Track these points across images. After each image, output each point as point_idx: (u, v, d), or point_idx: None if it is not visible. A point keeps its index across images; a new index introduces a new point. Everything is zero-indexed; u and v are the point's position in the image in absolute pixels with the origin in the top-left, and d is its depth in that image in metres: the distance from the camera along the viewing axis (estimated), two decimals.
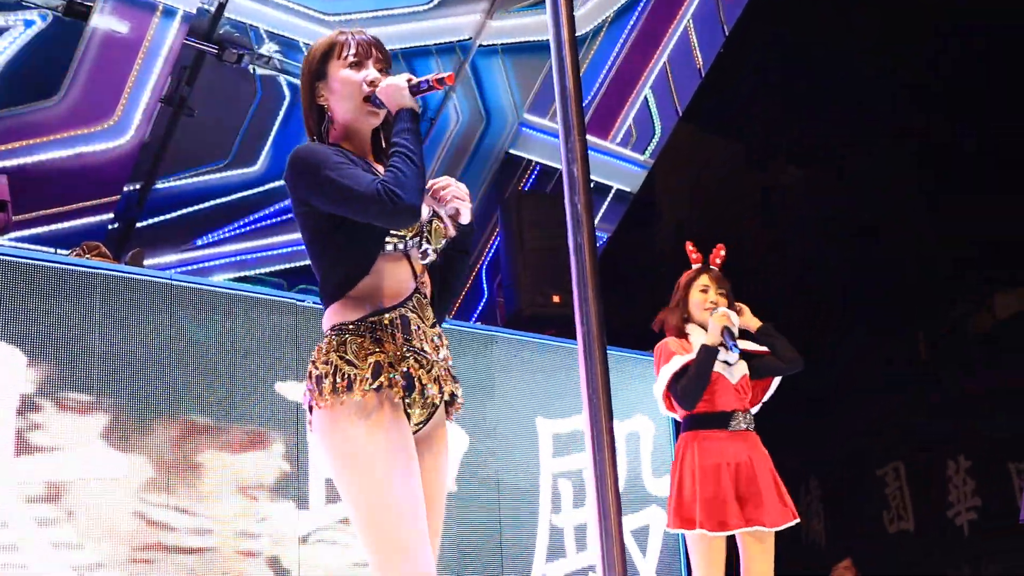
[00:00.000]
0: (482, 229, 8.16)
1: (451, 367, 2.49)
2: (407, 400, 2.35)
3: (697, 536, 3.85)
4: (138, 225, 6.28)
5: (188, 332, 4.48)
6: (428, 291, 2.51)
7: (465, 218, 2.61)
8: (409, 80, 2.42)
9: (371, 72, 2.45)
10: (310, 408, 2.36)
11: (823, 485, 9.96)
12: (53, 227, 5.68)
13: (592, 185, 2.00)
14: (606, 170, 8.57)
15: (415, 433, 2.39)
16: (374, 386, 2.28)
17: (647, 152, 8.92)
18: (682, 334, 4.09)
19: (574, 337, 1.91)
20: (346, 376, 2.28)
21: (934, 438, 9.04)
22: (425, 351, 2.39)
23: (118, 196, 5.98)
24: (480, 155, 7.91)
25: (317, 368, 2.33)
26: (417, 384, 2.36)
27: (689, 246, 4.27)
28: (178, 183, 6.41)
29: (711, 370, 3.95)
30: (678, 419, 4.14)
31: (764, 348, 4.14)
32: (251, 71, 6.38)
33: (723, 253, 4.22)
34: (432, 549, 2.34)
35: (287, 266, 6.57)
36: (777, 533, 3.93)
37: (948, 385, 8.89)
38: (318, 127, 2.47)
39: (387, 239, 2.39)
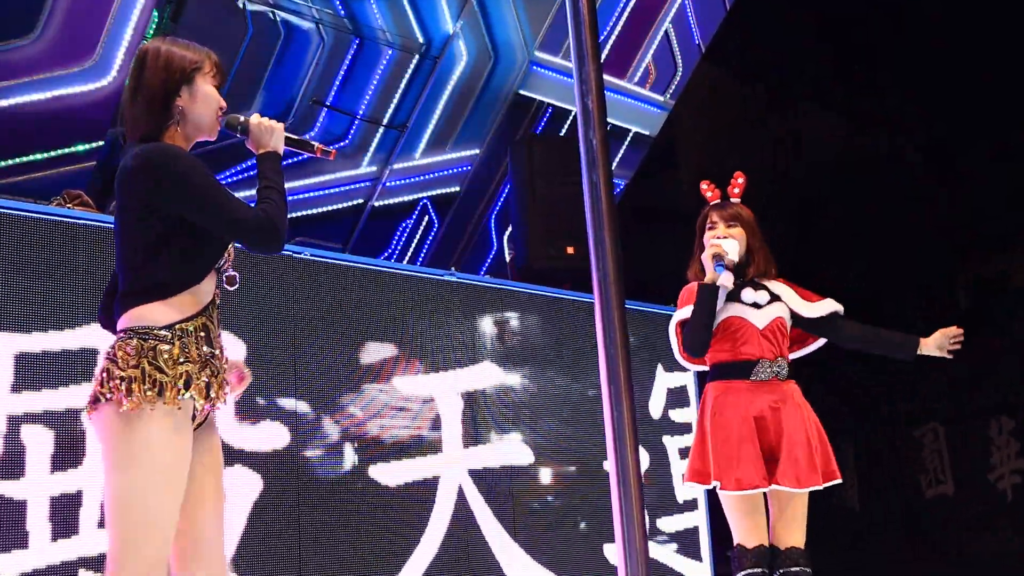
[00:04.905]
0: (491, 176, 8.12)
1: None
2: (197, 404, 2.62)
3: (723, 493, 3.82)
4: None
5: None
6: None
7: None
8: (287, 131, 2.84)
9: (221, 99, 2.79)
10: (94, 402, 2.56)
11: (856, 447, 9.96)
12: (31, 175, 5.66)
13: (608, 128, 1.96)
14: (623, 112, 8.51)
15: (195, 429, 2.66)
16: (184, 396, 2.55)
17: (667, 93, 8.84)
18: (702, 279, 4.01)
19: (587, 291, 1.88)
20: (157, 383, 2.52)
21: (975, 397, 9.03)
22: (217, 356, 2.68)
23: (101, 142, 5.95)
24: (488, 96, 7.84)
25: (123, 370, 2.52)
26: (212, 391, 2.64)
27: (704, 184, 4.18)
28: None
29: (710, 310, 3.85)
30: (699, 371, 4.10)
31: (830, 309, 4.02)
32: (240, 6, 6.32)
33: (741, 181, 4.12)
34: (217, 535, 2.71)
35: None
36: (811, 494, 3.88)
37: (990, 341, 8.85)
38: (158, 125, 2.69)
39: (221, 254, 2.71)
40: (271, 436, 4.55)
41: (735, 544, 3.82)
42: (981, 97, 8.58)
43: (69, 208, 4.45)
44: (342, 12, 6.93)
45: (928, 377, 8.95)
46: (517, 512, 5.44)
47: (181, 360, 2.56)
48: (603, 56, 7.91)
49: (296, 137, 2.87)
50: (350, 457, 4.87)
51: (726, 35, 8.87)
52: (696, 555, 6.29)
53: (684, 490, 6.25)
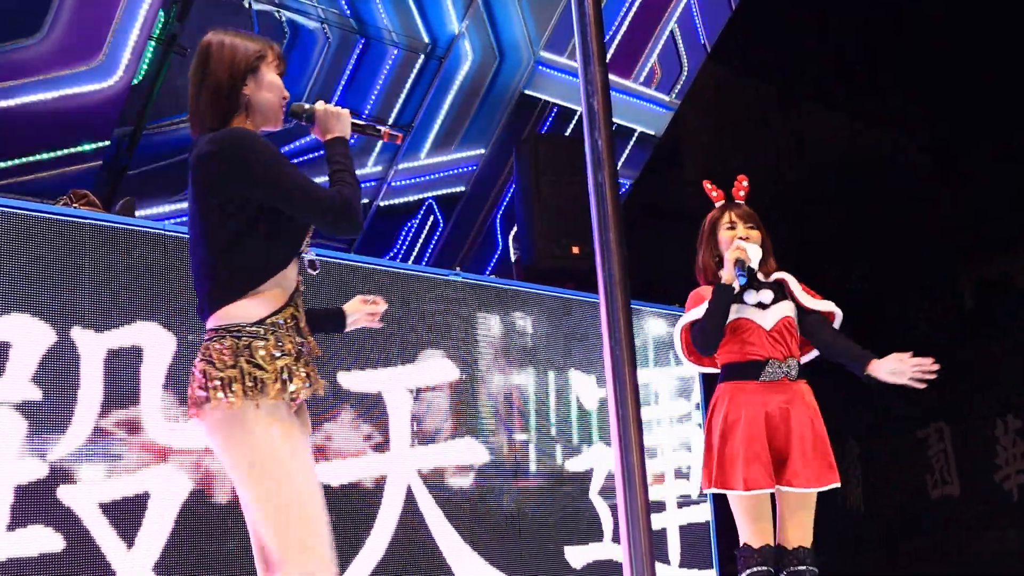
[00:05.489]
0: (496, 175, 8.12)
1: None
2: (301, 393, 2.62)
3: (730, 494, 3.82)
4: (128, 173, 6.26)
5: (184, 286, 4.47)
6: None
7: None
8: (354, 115, 2.84)
9: (284, 88, 2.79)
10: (197, 404, 2.55)
11: (861, 447, 9.95)
12: (37, 175, 5.66)
13: (614, 128, 1.96)
14: (628, 112, 8.50)
15: None
16: (290, 388, 2.54)
17: (673, 93, 8.84)
18: (717, 279, 3.98)
19: (592, 291, 1.89)
20: (256, 380, 2.50)
21: (981, 397, 9.01)
22: (307, 345, 2.67)
23: (108, 141, 5.95)
24: (493, 95, 7.84)
25: (220, 371, 2.50)
26: (310, 380, 2.64)
27: (707, 184, 4.14)
28: (171, 128, 6.38)
29: (725, 311, 3.82)
30: (704, 372, 4.07)
31: (827, 308, 4.01)
32: (246, 6, 6.33)
33: (746, 184, 4.08)
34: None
35: None
36: (818, 495, 3.87)
37: (995, 340, 8.84)
38: (225, 116, 2.67)
39: (305, 238, 2.71)
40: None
41: (741, 544, 3.83)
42: (984, 98, 8.57)
43: (76, 208, 4.46)
44: (348, 12, 6.94)
45: (935, 376, 8.90)
46: (472, 514, 5.32)
47: (277, 355, 2.54)
48: (609, 54, 7.92)
49: (362, 123, 2.87)
50: None
51: (731, 35, 8.86)
52: (664, 559, 6.12)
53: (651, 492, 6.14)
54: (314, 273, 2.74)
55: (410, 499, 5.06)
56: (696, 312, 3.93)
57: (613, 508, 5.83)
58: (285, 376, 2.53)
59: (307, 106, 2.80)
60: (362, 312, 3.07)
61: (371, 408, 5.01)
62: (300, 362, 2.59)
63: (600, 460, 5.97)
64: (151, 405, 4.27)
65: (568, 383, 5.96)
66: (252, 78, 2.71)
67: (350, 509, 4.82)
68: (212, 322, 2.58)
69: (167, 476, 4.27)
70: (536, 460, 5.71)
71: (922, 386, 3.77)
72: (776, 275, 4.00)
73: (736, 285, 3.84)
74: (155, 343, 4.33)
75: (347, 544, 4.71)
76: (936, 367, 3.74)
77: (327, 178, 2.70)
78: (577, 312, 6.07)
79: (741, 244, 3.90)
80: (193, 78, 2.73)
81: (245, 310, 2.55)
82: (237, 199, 2.56)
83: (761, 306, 3.92)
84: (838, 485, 3.86)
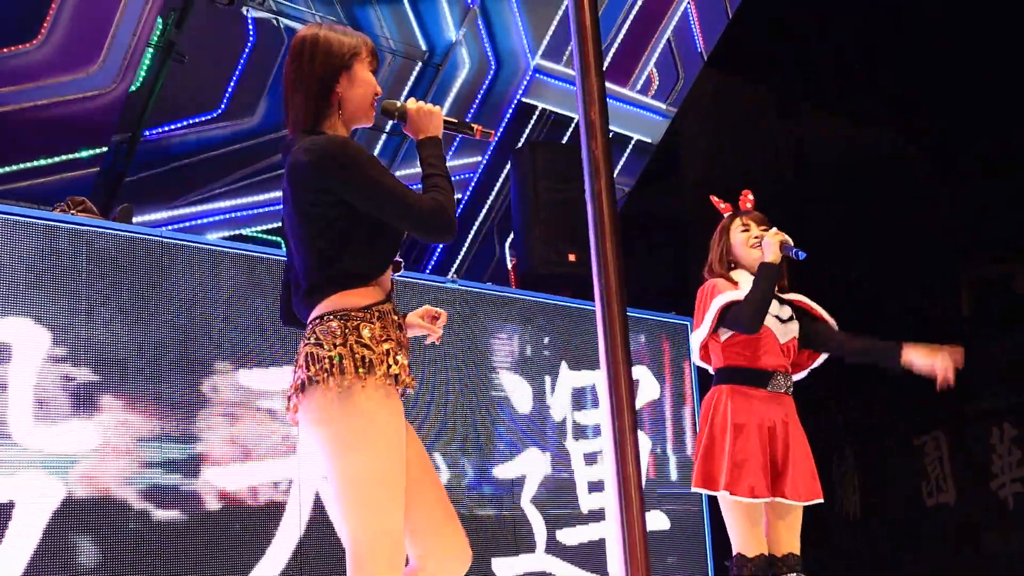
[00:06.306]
0: (492, 182, 8.13)
1: None
2: (402, 380, 2.60)
3: (729, 499, 3.81)
4: (126, 179, 6.26)
5: (181, 292, 4.47)
6: None
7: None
8: (447, 115, 2.80)
9: (376, 85, 2.76)
10: (301, 388, 2.53)
11: (857, 454, 9.95)
12: (34, 181, 5.66)
13: (610, 135, 1.97)
14: (625, 119, 8.52)
15: None
16: (393, 372, 2.52)
17: (669, 100, 8.85)
18: (730, 282, 4.01)
19: (589, 298, 1.89)
20: (366, 360, 2.49)
21: (977, 404, 9.01)
22: (404, 340, 2.66)
23: (105, 148, 5.95)
24: (490, 103, 7.86)
25: (329, 349, 2.49)
26: (411, 373, 2.64)
27: (714, 198, 4.21)
28: (168, 134, 6.39)
29: (772, 289, 3.85)
30: (710, 371, 4.07)
31: (826, 315, 4.06)
32: (244, 13, 6.33)
33: (751, 199, 4.13)
34: (447, 515, 2.70)
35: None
36: (806, 507, 3.92)
37: (992, 347, 8.84)
38: (319, 114, 2.65)
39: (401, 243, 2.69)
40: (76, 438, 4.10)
41: (735, 553, 3.83)
42: (984, 97, 8.59)
43: (73, 214, 4.47)
44: (345, 19, 6.95)
45: (929, 384, 8.92)
46: None
47: (384, 339, 2.54)
48: (605, 62, 7.93)
49: (455, 120, 2.84)
50: (183, 461, 4.36)
51: (728, 42, 8.87)
52: (602, 571, 5.80)
53: (589, 500, 5.89)
54: (396, 275, 2.74)
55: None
56: (732, 294, 3.91)
57: (547, 518, 5.65)
58: (390, 360, 2.53)
59: (399, 104, 2.78)
60: (418, 325, 2.97)
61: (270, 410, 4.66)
62: (403, 352, 2.60)
63: (534, 467, 5.71)
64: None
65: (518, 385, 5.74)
66: (346, 75, 2.68)
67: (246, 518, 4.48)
68: (317, 311, 2.58)
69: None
70: (471, 466, 5.42)
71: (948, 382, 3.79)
72: (790, 296, 4.07)
73: (796, 256, 3.85)
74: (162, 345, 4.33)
75: (242, 558, 4.41)
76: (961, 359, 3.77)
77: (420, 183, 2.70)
78: (574, 319, 6.07)
79: (777, 231, 3.95)
80: (287, 76, 2.71)
81: (350, 299, 2.56)
82: (338, 206, 2.56)
83: (779, 319, 3.96)
84: (822, 501, 3.92)
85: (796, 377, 4.09)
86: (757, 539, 3.81)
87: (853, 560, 9.40)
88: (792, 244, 3.91)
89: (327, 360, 2.48)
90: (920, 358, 3.84)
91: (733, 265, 4.05)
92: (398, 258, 2.71)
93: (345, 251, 2.57)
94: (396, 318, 2.64)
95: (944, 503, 9.41)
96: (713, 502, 4.13)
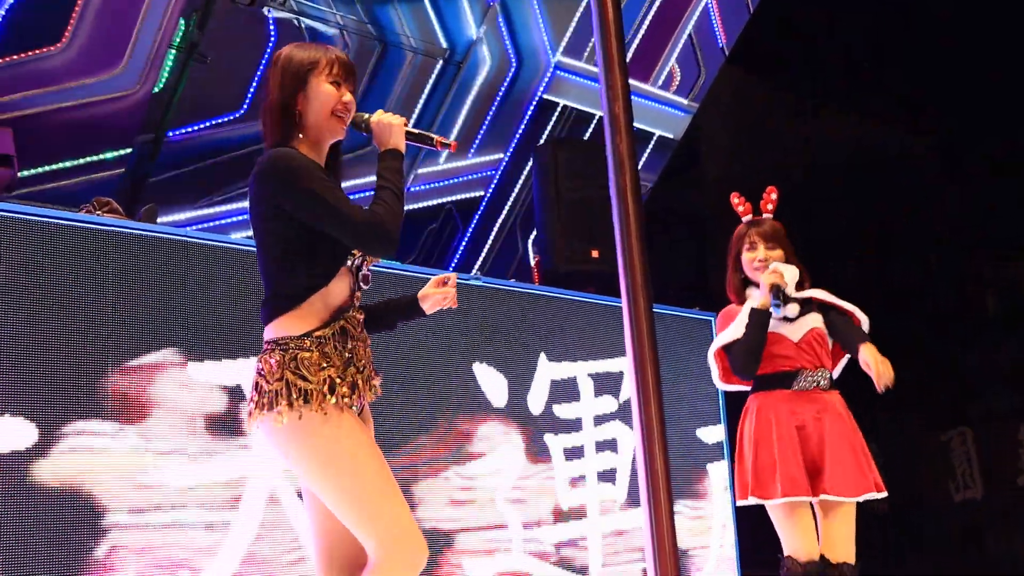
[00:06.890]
0: (515, 180, 8.13)
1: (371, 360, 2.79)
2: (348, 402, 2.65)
3: (770, 505, 3.80)
4: (150, 180, 6.29)
5: (206, 292, 4.49)
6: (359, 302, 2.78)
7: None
8: (407, 124, 2.79)
9: (346, 94, 2.74)
10: (250, 414, 2.64)
11: (883, 451, 9.90)
12: (60, 183, 5.70)
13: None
14: (647, 116, 8.50)
15: None
16: (331, 401, 2.57)
17: (691, 96, 8.83)
18: (743, 298, 3.99)
19: (612, 294, 1.88)
20: (302, 392, 2.55)
21: (1003, 400, 8.95)
22: (358, 356, 2.68)
23: (130, 149, 5.99)
24: (511, 100, 7.85)
25: (269, 384, 2.58)
26: (358, 388, 2.66)
27: (735, 197, 4.12)
28: (192, 135, 6.41)
29: (763, 336, 3.83)
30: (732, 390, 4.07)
31: (849, 306, 3.98)
32: (265, 13, 6.35)
33: (774, 197, 4.07)
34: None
35: None
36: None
37: (1018, 344, 8.79)
38: (282, 129, 2.68)
39: (349, 255, 2.69)
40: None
41: (785, 555, 3.79)
42: (992, 96, 8.54)
43: (99, 215, 4.49)
44: (366, 18, 6.96)
45: (956, 380, 8.89)
46: None
47: (323, 365, 2.58)
48: (627, 57, 7.93)
49: (416, 131, 2.83)
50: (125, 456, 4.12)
51: (750, 38, 8.84)
52: (581, 570, 5.60)
53: (569, 497, 5.65)
54: (366, 288, 2.75)
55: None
56: (727, 334, 3.91)
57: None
58: (326, 389, 2.57)
59: (366, 116, 2.77)
60: (435, 296, 3.00)
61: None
62: (349, 371, 2.63)
63: (509, 464, 5.47)
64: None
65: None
66: (302, 91, 2.69)
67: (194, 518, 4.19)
68: (265, 335, 2.67)
69: None
70: (450, 463, 5.17)
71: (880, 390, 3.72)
72: (806, 293, 3.98)
73: (773, 312, 3.82)
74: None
75: (194, 559, 4.14)
76: (887, 385, 3.68)
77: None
78: (598, 315, 6.05)
79: (778, 267, 3.88)
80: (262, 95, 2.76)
81: (290, 324, 2.61)
82: (282, 218, 2.61)
83: (786, 320, 3.90)
84: (878, 495, 3.84)
85: (835, 371, 4.02)
86: (806, 542, 3.75)
87: (880, 555, 9.36)
88: (782, 288, 3.84)
89: (270, 394, 2.58)
90: (867, 360, 3.74)
91: (746, 280, 4.01)
92: (367, 271, 2.74)
93: (287, 265, 2.63)
94: (346, 335, 2.64)
95: (971, 499, 9.36)
96: (740, 511, 4.11)
